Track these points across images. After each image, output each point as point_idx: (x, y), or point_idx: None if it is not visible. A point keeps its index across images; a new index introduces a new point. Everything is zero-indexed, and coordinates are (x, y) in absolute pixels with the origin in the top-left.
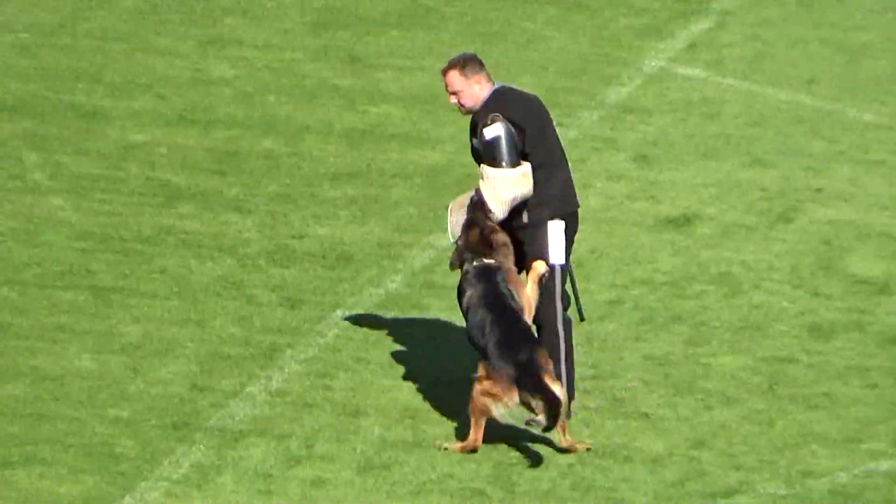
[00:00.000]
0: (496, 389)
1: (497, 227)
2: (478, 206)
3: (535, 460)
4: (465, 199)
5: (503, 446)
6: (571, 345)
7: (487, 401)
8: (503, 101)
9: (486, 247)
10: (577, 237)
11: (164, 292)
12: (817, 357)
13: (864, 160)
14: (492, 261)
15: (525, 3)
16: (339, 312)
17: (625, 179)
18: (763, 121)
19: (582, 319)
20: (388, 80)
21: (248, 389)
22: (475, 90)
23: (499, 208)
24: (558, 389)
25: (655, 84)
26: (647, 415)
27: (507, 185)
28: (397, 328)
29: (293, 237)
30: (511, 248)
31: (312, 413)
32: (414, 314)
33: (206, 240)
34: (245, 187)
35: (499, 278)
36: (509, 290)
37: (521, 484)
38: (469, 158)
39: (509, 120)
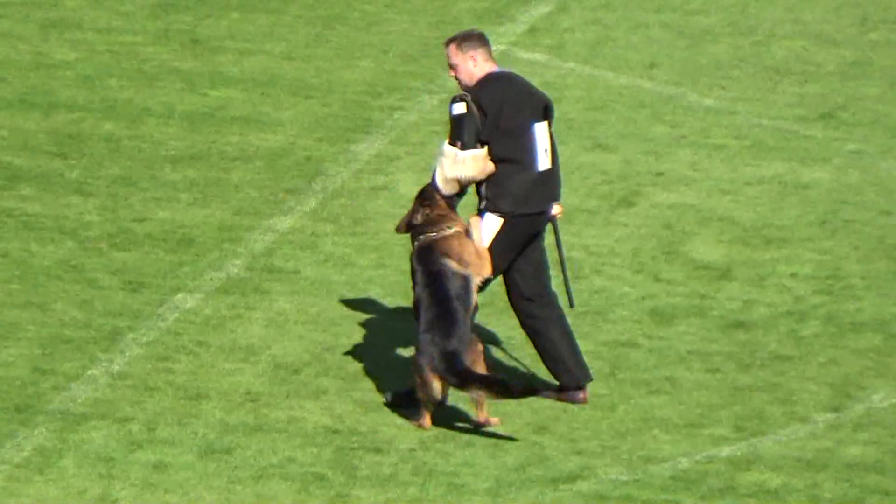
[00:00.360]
0: (421, 376)
1: (440, 202)
2: (428, 186)
3: (376, 445)
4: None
5: (344, 430)
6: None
7: (418, 383)
8: (485, 85)
9: (429, 223)
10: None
11: (5, 275)
12: (659, 342)
13: (705, 144)
14: (434, 234)
15: None
16: (180, 296)
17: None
18: (604, 105)
19: (571, 307)
20: (228, 62)
21: (89, 372)
22: (469, 66)
23: (443, 184)
24: (480, 378)
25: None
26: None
27: (454, 164)
28: (238, 312)
29: (134, 220)
30: (454, 216)
31: (154, 396)
32: (255, 298)
33: (48, 222)
34: (86, 170)
35: (436, 256)
36: (447, 265)
37: (362, 469)
38: (308, 141)
39: (478, 104)
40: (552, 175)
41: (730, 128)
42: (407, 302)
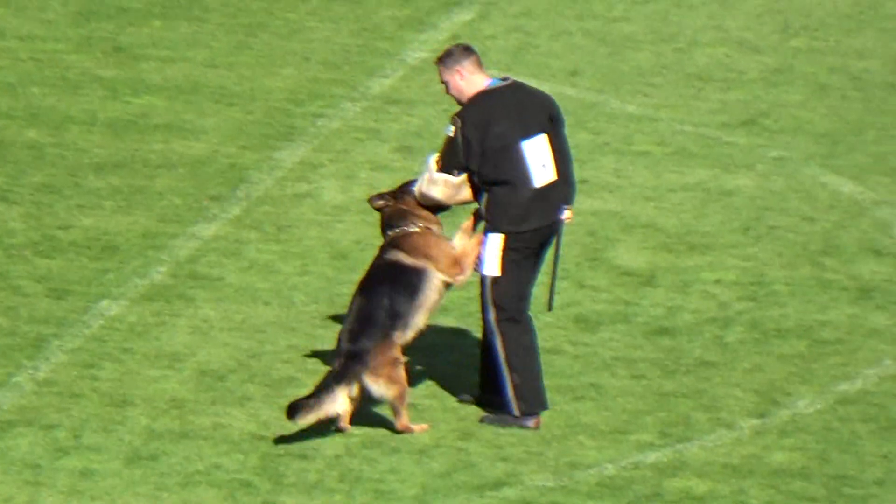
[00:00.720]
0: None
1: (408, 199)
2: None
3: (303, 452)
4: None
5: (270, 437)
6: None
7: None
8: (471, 108)
9: (391, 219)
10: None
11: None
12: (584, 348)
13: (628, 151)
14: (396, 231)
15: None
16: (104, 303)
17: (388, 170)
18: None
19: (549, 309)
20: (151, 70)
21: (14, 379)
22: (457, 81)
23: (420, 197)
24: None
25: (419, 75)
26: (413, 405)
27: (428, 182)
28: (163, 319)
29: (58, 228)
30: (420, 213)
31: (80, 403)
32: (179, 305)
33: None
34: (9, 178)
35: (388, 253)
36: (391, 257)
37: (288, 475)
38: (232, 149)
39: (463, 130)
40: (555, 187)
41: (653, 135)
42: (330, 307)
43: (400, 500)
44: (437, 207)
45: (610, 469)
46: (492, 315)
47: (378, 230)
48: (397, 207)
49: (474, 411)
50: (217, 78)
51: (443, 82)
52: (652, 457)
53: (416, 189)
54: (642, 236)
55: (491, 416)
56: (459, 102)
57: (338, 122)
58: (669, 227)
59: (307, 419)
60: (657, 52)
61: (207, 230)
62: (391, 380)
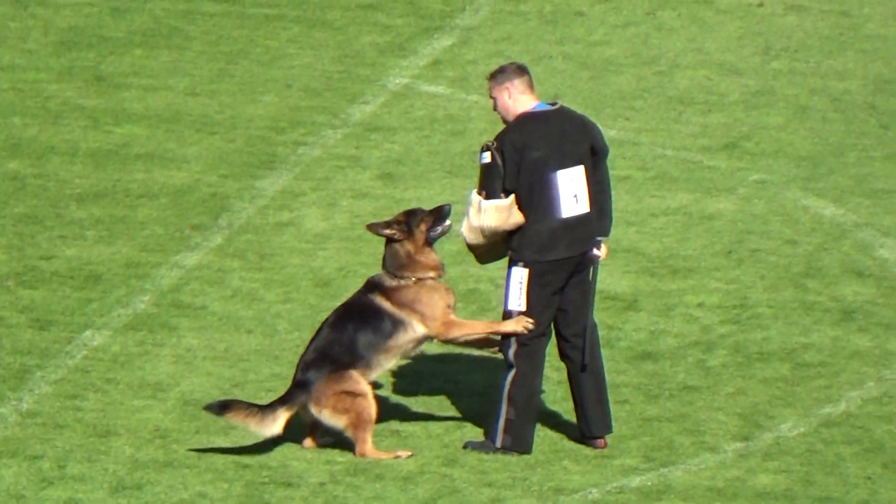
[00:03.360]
0: None
1: (417, 240)
2: (415, 215)
3: (287, 479)
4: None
5: (255, 465)
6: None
7: None
8: (512, 131)
9: (397, 264)
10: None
11: None
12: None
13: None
14: (389, 280)
15: (268, 21)
16: (87, 333)
17: (370, 197)
18: None
19: (583, 370)
20: (132, 99)
21: None
22: (504, 99)
23: (468, 233)
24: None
25: (400, 101)
26: (398, 432)
27: (477, 213)
28: (146, 348)
29: (41, 258)
30: (425, 263)
31: (64, 434)
32: (163, 334)
33: None
34: None
35: (371, 294)
36: (372, 304)
37: (272, 503)
38: (213, 177)
39: (501, 152)
40: (587, 219)
41: (634, 159)
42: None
43: None
44: (489, 248)
45: (595, 493)
46: (512, 350)
47: (361, 258)
48: (405, 248)
49: (459, 436)
50: (199, 106)
51: (491, 97)
52: (636, 481)
53: (463, 229)
54: (624, 261)
55: (475, 442)
56: (505, 121)
57: (319, 149)
58: (651, 251)
59: (234, 419)
60: (638, 76)
61: (190, 259)
62: (336, 410)
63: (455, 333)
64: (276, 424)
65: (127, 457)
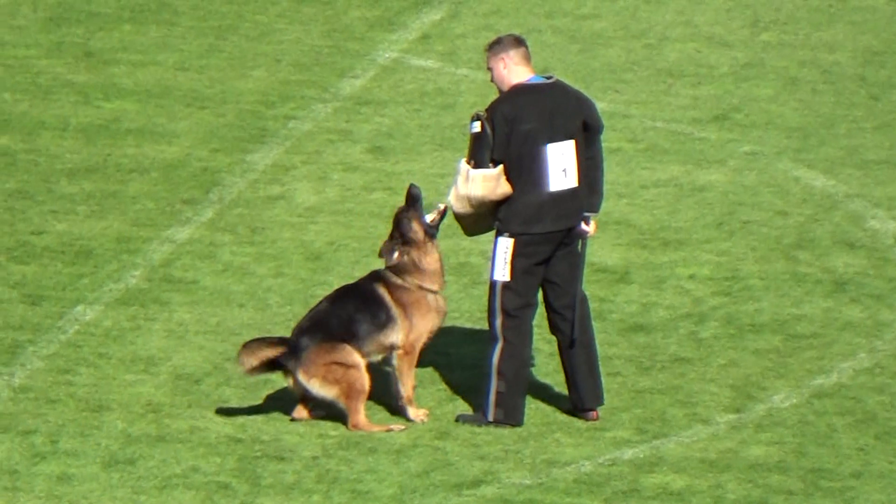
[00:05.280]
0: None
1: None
2: (404, 215)
3: (279, 453)
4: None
5: (247, 439)
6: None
7: None
8: (504, 101)
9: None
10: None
11: None
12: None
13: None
14: (394, 277)
15: None
16: (79, 308)
17: (361, 171)
18: None
19: (571, 347)
20: (122, 74)
21: None
22: (500, 69)
23: (456, 201)
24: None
25: (389, 75)
26: (390, 406)
27: (465, 182)
28: (138, 323)
29: (32, 233)
30: (424, 269)
31: (56, 409)
32: (154, 309)
33: None
34: None
35: (376, 285)
36: (375, 293)
37: (266, 477)
38: (204, 152)
39: (492, 122)
40: (575, 194)
41: (624, 131)
42: (305, 309)
43: (377, 500)
44: (477, 219)
45: (587, 466)
46: (499, 321)
47: (353, 232)
48: (410, 257)
49: (451, 409)
50: (188, 81)
51: (488, 69)
52: (629, 453)
53: (451, 197)
54: (616, 233)
55: (467, 415)
56: (500, 91)
57: (309, 123)
58: (643, 223)
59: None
60: (627, 49)
61: (181, 234)
62: (326, 380)
63: (405, 363)
64: (250, 360)
65: (119, 431)
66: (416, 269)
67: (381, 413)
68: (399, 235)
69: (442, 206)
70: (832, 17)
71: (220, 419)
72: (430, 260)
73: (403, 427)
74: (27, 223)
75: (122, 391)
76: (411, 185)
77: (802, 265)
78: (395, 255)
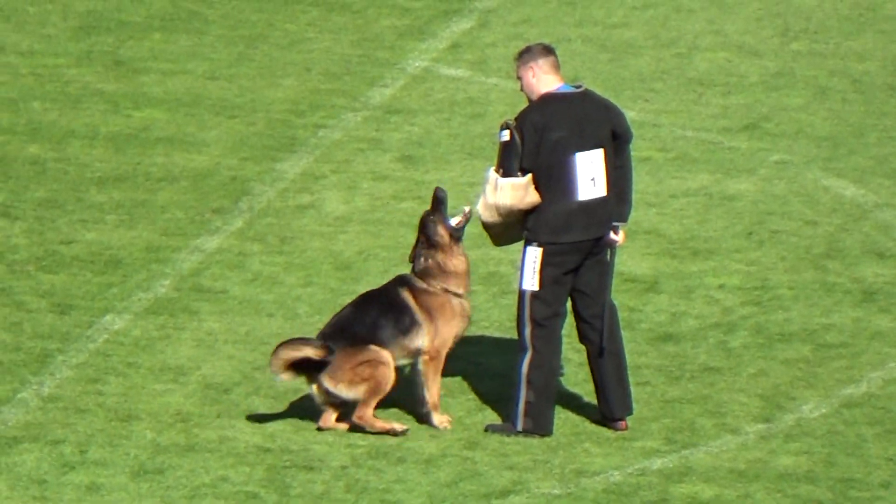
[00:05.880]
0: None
1: (444, 245)
2: (430, 221)
3: (308, 463)
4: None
5: (276, 449)
6: (548, 371)
7: None
8: (532, 110)
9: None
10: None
11: None
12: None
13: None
14: (419, 282)
15: (287, 5)
16: (108, 317)
17: (390, 180)
18: None
19: (601, 356)
20: (151, 83)
21: (20, 395)
22: (529, 78)
23: (484, 210)
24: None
25: (419, 84)
26: (419, 416)
27: (493, 191)
28: (167, 332)
29: (62, 242)
30: (450, 272)
31: (85, 418)
32: (183, 318)
33: None
34: (12, 193)
35: (401, 290)
36: (400, 299)
37: (294, 487)
38: (234, 161)
39: (521, 131)
40: (604, 203)
41: (654, 140)
42: None
43: None
44: (505, 228)
45: (616, 476)
46: (528, 330)
47: (382, 241)
48: (435, 259)
49: (480, 419)
50: (218, 90)
51: (517, 78)
52: (658, 463)
53: (479, 206)
54: (645, 242)
55: (496, 425)
56: (529, 100)
57: (339, 132)
58: (672, 232)
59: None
60: (657, 58)
61: (210, 243)
62: (353, 382)
63: (431, 368)
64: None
65: (148, 441)
66: (442, 272)
67: (410, 423)
68: (424, 239)
69: (467, 210)
70: (862, 26)
71: (249, 429)
72: (455, 263)
73: (406, 428)
74: (56, 232)
75: (151, 401)
76: (437, 188)
77: (832, 274)
78: (422, 259)
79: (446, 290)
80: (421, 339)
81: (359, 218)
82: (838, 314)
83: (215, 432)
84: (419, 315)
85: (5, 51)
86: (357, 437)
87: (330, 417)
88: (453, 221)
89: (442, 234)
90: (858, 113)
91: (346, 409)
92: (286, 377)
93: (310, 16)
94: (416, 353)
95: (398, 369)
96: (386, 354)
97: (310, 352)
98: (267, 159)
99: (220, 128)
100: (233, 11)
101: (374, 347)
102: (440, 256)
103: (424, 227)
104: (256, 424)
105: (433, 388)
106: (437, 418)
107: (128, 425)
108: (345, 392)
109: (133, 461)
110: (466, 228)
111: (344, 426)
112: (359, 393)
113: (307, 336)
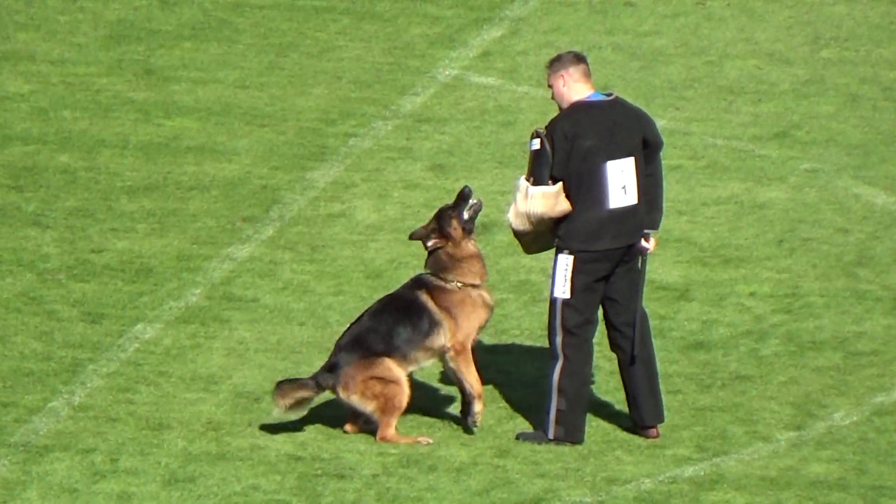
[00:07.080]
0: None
1: (458, 239)
2: (447, 210)
3: (340, 471)
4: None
5: (307, 457)
6: (579, 379)
7: None
8: (563, 119)
9: (440, 266)
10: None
11: None
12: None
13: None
14: (435, 280)
15: (318, 14)
16: (139, 326)
17: (421, 188)
18: None
19: (632, 364)
20: (182, 92)
21: (51, 405)
22: (560, 86)
23: (514, 218)
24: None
25: (450, 93)
26: (450, 424)
27: (524, 199)
28: (198, 341)
29: (92, 251)
30: (466, 267)
31: (116, 427)
32: (214, 327)
33: (6, 255)
34: (43, 202)
35: (417, 291)
36: (417, 301)
37: (326, 495)
38: (264, 170)
39: (552, 140)
40: (635, 211)
41: (685, 148)
42: None
43: None
44: (536, 237)
45: (647, 484)
46: (559, 338)
47: (413, 249)
48: (446, 252)
49: (511, 427)
50: (248, 99)
51: (548, 86)
52: (689, 471)
53: (510, 214)
54: (676, 250)
55: (527, 433)
56: (560, 109)
57: (370, 141)
58: (703, 240)
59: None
60: (688, 66)
61: (241, 251)
62: (365, 396)
63: (461, 362)
64: (283, 402)
65: (179, 450)
66: (456, 264)
67: (442, 431)
68: (437, 228)
69: (475, 201)
70: (893, 33)
71: (280, 437)
72: (466, 254)
73: (431, 440)
74: (87, 241)
75: (183, 409)
76: (465, 186)
77: (863, 282)
78: (431, 241)
79: (463, 284)
80: (443, 337)
81: (390, 226)
82: (869, 322)
83: (246, 441)
84: (438, 315)
85: (36, 60)
86: (388, 446)
87: (352, 422)
88: (465, 215)
89: (455, 227)
90: (889, 121)
91: (367, 416)
92: (291, 414)
93: (340, 24)
94: (441, 351)
95: (412, 380)
96: (397, 371)
97: (306, 394)
98: (297, 168)
99: (251, 136)
100: (263, 20)
101: (386, 361)
102: (452, 249)
103: (440, 218)
104: (287, 433)
105: (470, 378)
106: (477, 405)
107: (159, 434)
108: (357, 403)
109: (164, 470)
110: (497, 237)
111: (363, 431)
112: (371, 408)
113: (300, 378)
